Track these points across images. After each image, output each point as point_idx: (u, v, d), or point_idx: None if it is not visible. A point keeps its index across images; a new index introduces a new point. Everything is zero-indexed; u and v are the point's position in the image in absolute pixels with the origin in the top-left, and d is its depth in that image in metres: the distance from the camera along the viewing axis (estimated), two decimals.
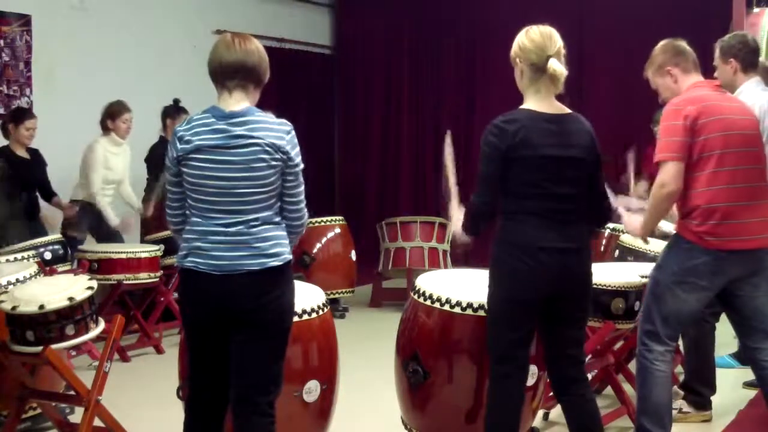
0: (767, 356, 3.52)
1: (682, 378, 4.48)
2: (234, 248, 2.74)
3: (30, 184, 5.92)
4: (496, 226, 3.09)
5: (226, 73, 2.79)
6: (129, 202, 6.45)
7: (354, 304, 7.25)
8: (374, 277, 7.57)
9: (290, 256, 2.83)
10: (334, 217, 7.05)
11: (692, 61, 3.60)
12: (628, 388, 4.28)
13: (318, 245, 6.85)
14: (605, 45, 8.85)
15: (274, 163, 2.74)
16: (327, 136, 10.25)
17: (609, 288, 4.00)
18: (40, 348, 3.46)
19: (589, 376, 3.73)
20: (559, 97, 3.09)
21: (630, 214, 3.67)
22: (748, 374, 4.31)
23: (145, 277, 5.67)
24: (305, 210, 2.90)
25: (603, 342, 4.18)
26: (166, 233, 5.80)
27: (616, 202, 3.62)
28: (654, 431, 3.47)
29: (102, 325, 3.69)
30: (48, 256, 5.19)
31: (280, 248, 2.79)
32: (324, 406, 3.46)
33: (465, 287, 3.45)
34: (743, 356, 4.28)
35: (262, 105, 2.87)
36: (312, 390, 3.36)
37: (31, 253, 4.76)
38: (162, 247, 5.83)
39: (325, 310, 3.50)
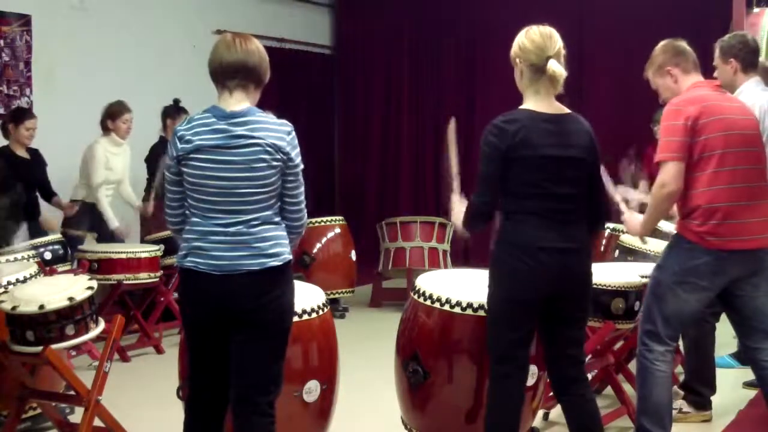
0: (767, 356, 3.53)
1: (682, 378, 4.48)
2: (234, 248, 2.74)
3: (30, 184, 5.92)
4: (495, 226, 3.09)
5: (227, 73, 2.79)
6: (129, 202, 6.45)
7: (354, 304, 7.25)
8: (374, 277, 7.57)
9: (290, 256, 2.83)
10: (334, 217, 7.05)
11: (692, 61, 3.60)
12: (628, 388, 4.28)
13: (318, 245, 6.85)
14: (605, 45, 8.84)
15: (274, 163, 2.74)
16: (327, 136, 10.24)
17: (609, 288, 4.00)
18: (40, 348, 3.46)
19: (589, 376, 3.73)
20: (559, 97, 3.09)
21: (630, 210, 3.68)
22: (748, 374, 4.31)
23: (145, 277, 5.67)
24: (305, 210, 2.90)
25: (603, 342, 4.18)
26: (166, 233, 5.78)
27: (616, 193, 3.62)
28: (654, 431, 3.47)
29: (102, 325, 3.69)
30: (48, 256, 5.20)
31: (280, 248, 2.79)
32: (324, 406, 3.46)
33: (465, 287, 3.45)
34: (743, 356, 4.28)
35: (262, 105, 2.87)
36: (312, 390, 3.36)
37: (31, 253, 4.75)
38: (162, 247, 5.83)
39: (325, 310, 3.50)
